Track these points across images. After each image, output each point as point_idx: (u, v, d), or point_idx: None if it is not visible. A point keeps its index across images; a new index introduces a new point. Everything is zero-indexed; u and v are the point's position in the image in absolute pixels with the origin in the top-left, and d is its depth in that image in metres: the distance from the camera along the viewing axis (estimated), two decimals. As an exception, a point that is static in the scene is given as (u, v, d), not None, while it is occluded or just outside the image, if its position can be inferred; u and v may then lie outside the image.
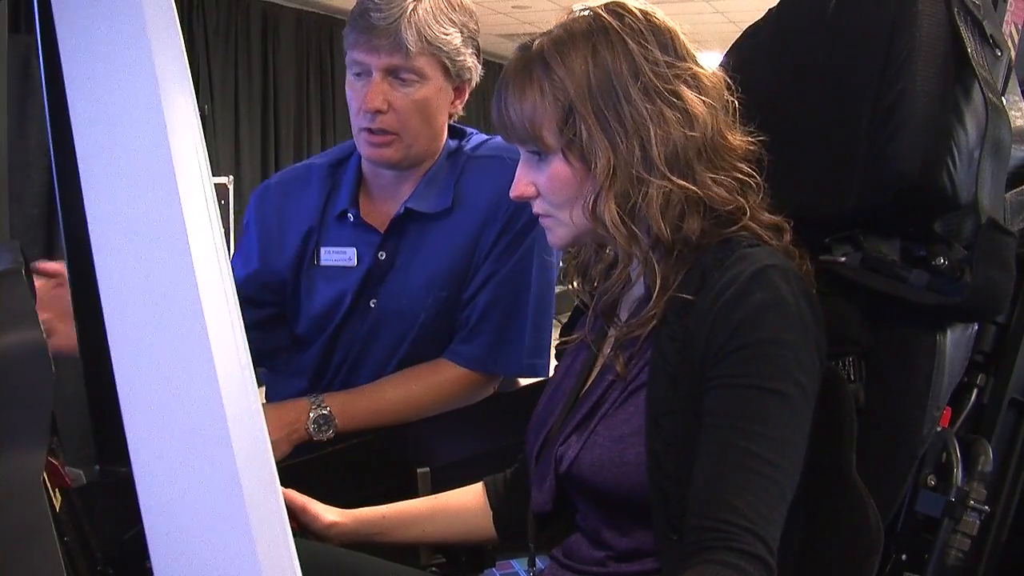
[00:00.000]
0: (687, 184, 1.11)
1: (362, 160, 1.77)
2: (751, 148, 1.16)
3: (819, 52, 1.29)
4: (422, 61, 1.62)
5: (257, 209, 1.87)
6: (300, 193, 1.83)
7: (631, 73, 1.11)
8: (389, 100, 1.62)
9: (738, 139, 1.15)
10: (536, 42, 1.16)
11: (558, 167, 1.14)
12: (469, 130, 1.83)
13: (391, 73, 1.62)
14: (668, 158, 1.10)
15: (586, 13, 1.15)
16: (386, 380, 1.73)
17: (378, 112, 1.62)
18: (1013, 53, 1.27)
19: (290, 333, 1.86)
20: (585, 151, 1.12)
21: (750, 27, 1.45)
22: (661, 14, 1.16)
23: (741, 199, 1.13)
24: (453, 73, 1.67)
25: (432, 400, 1.72)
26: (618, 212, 1.11)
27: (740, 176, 1.14)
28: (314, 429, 1.65)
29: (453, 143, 1.77)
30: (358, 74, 1.63)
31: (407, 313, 1.73)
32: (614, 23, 1.12)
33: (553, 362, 1.39)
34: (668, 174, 1.10)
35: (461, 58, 1.67)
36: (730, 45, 1.45)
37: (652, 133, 1.10)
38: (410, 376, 1.73)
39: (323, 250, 1.78)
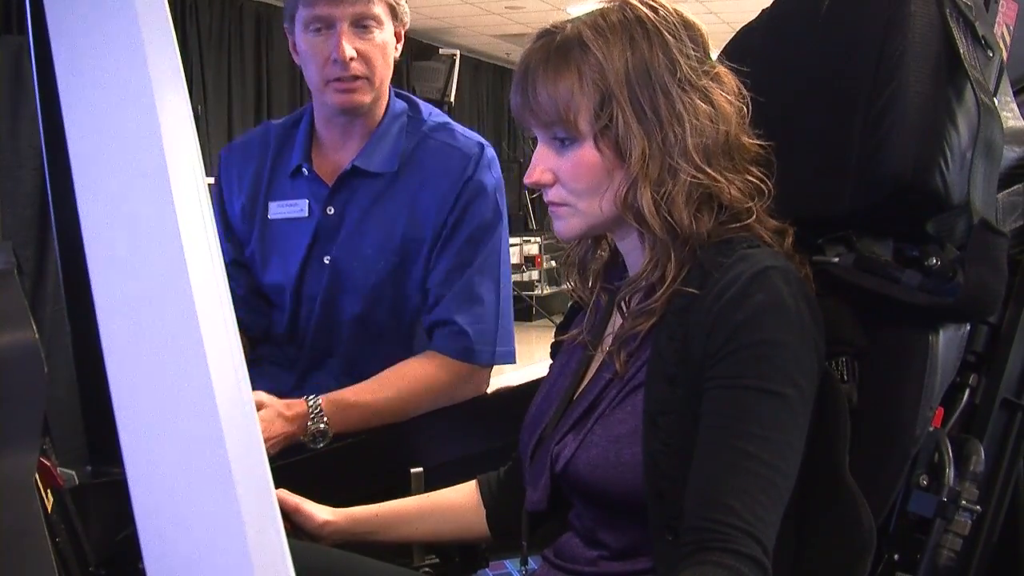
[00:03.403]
0: (714, 175, 1.11)
1: (315, 114, 1.86)
2: (761, 152, 1.16)
3: (812, 53, 1.30)
4: (379, 7, 1.73)
5: (224, 172, 1.96)
6: (257, 152, 1.91)
7: (668, 64, 1.11)
8: (356, 47, 1.71)
9: (750, 141, 1.16)
10: (569, 27, 1.15)
11: (587, 154, 1.13)
12: (420, 103, 1.91)
13: (355, 23, 1.71)
14: (701, 150, 1.11)
15: (617, 4, 1.15)
16: (377, 381, 1.74)
17: (350, 60, 1.70)
18: (1005, 54, 1.28)
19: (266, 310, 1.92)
20: (620, 139, 1.11)
21: (743, 28, 1.45)
22: (688, 12, 1.17)
23: (750, 201, 1.13)
24: (399, 15, 1.78)
25: (423, 393, 1.75)
26: (654, 201, 1.11)
27: (751, 179, 1.14)
28: (310, 440, 1.67)
29: (400, 105, 1.85)
30: (318, 29, 1.71)
31: (360, 274, 1.79)
32: (650, 15, 1.13)
33: (547, 361, 1.39)
34: (701, 165, 1.11)
35: (403, 1, 1.79)
36: (723, 46, 1.46)
37: (688, 124, 1.10)
38: (400, 373, 1.75)
39: (272, 205, 1.86)
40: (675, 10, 1.15)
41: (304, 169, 1.83)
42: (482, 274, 1.78)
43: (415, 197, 1.79)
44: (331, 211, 1.81)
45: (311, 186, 1.83)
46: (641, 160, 1.10)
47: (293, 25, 1.76)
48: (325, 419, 1.67)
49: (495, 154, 1.87)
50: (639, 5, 1.14)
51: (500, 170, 1.87)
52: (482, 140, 1.86)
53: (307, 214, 1.83)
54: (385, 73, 1.77)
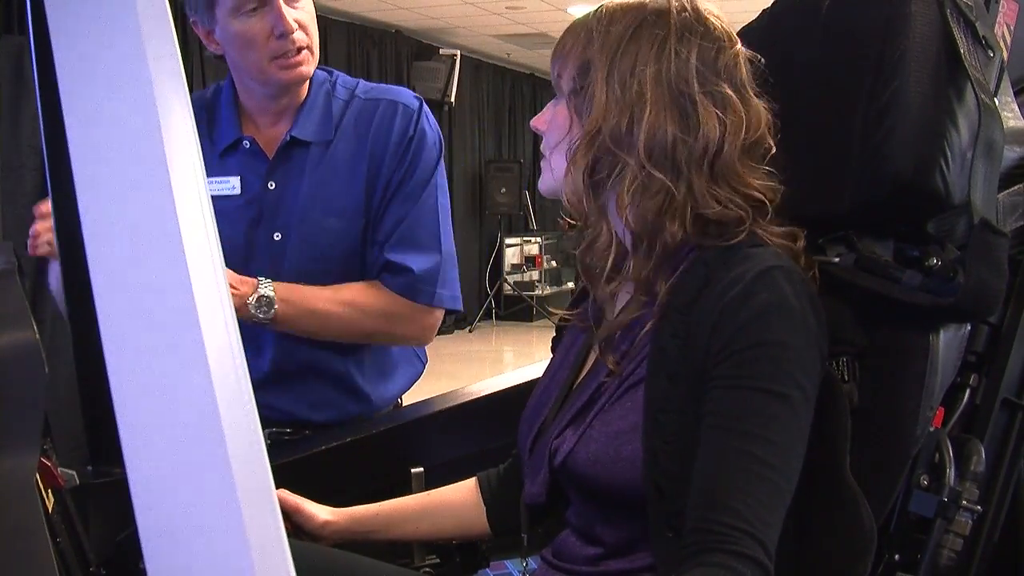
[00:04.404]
0: (671, 184, 1.11)
1: (240, 94, 1.83)
2: (762, 189, 1.14)
3: (813, 53, 1.30)
4: None
5: None
6: None
7: (655, 58, 1.13)
8: (294, 19, 1.71)
9: (749, 175, 1.14)
10: (602, 5, 1.20)
11: (560, 110, 1.21)
12: (333, 69, 1.93)
13: None
14: (651, 147, 1.11)
15: None
16: (322, 287, 1.78)
17: (293, 32, 1.70)
18: (1005, 54, 1.28)
19: None
20: (584, 104, 1.16)
21: (744, 27, 1.45)
22: (723, 28, 1.17)
23: (742, 213, 1.12)
24: None
25: (364, 309, 1.78)
26: (584, 174, 1.15)
27: (739, 199, 1.13)
28: (254, 306, 1.68)
29: (320, 74, 1.86)
30: (253, 9, 1.68)
31: (317, 245, 1.79)
32: (673, 13, 1.15)
33: (547, 361, 1.39)
34: (646, 161, 1.11)
35: None
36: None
37: (644, 116, 1.11)
38: (345, 286, 1.80)
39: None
40: (705, 20, 1.16)
41: (245, 142, 1.81)
42: (424, 221, 1.82)
43: (371, 155, 1.81)
44: (272, 185, 1.80)
45: (250, 161, 1.81)
46: (592, 129, 1.14)
47: (210, 14, 1.73)
48: (273, 289, 1.69)
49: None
50: (673, 4, 1.15)
51: (436, 122, 1.92)
52: (415, 94, 1.90)
53: (239, 191, 1.80)
54: (317, 39, 1.78)
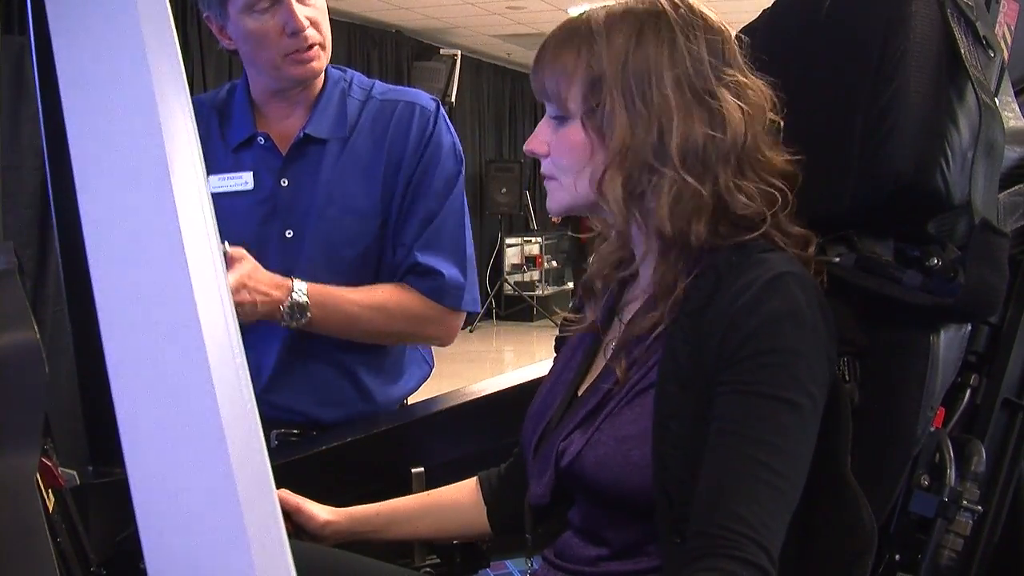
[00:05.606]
0: (699, 186, 1.10)
1: (253, 90, 1.83)
2: (788, 167, 1.15)
3: (812, 53, 1.30)
4: None
5: None
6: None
7: (669, 61, 1.11)
8: (305, 16, 1.71)
9: (776, 156, 1.15)
10: (590, 12, 1.17)
11: (574, 132, 1.16)
12: (349, 69, 1.93)
13: None
14: (685, 153, 1.10)
15: None
16: (356, 288, 1.78)
17: (305, 30, 1.71)
18: (1006, 54, 1.28)
19: None
20: (604, 124, 1.13)
21: (744, 27, 1.45)
22: (716, 17, 1.17)
23: (764, 208, 1.12)
24: None
25: (396, 311, 1.79)
26: (623, 193, 1.12)
27: (765, 187, 1.13)
28: (287, 313, 1.68)
29: (336, 72, 1.86)
30: (265, 8, 1.69)
31: (333, 243, 1.79)
32: (670, 11, 1.14)
33: (548, 361, 1.39)
34: (680, 169, 1.10)
35: None
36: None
37: (674, 124, 1.10)
38: (378, 287, 1.80)
39: (211, 178, 1.80)
40: (701, 13, 1.15)
41: (260, 139, 1.81)
42: (449, 224, 1.82)
43: (389, 155, 1.80)
44: (285, 182, 1.79)
45: (263, 157, 1.81)
46: (620, 149, 1.12)
47: (222, 10, 1.73)
48: (307, 295, 1.69)
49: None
50: (664, 3, 1.14)
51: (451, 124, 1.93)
52: (432, 96, 1.91)
53: (251, 187, 1.80)
54: (329, 34, 1.78)
